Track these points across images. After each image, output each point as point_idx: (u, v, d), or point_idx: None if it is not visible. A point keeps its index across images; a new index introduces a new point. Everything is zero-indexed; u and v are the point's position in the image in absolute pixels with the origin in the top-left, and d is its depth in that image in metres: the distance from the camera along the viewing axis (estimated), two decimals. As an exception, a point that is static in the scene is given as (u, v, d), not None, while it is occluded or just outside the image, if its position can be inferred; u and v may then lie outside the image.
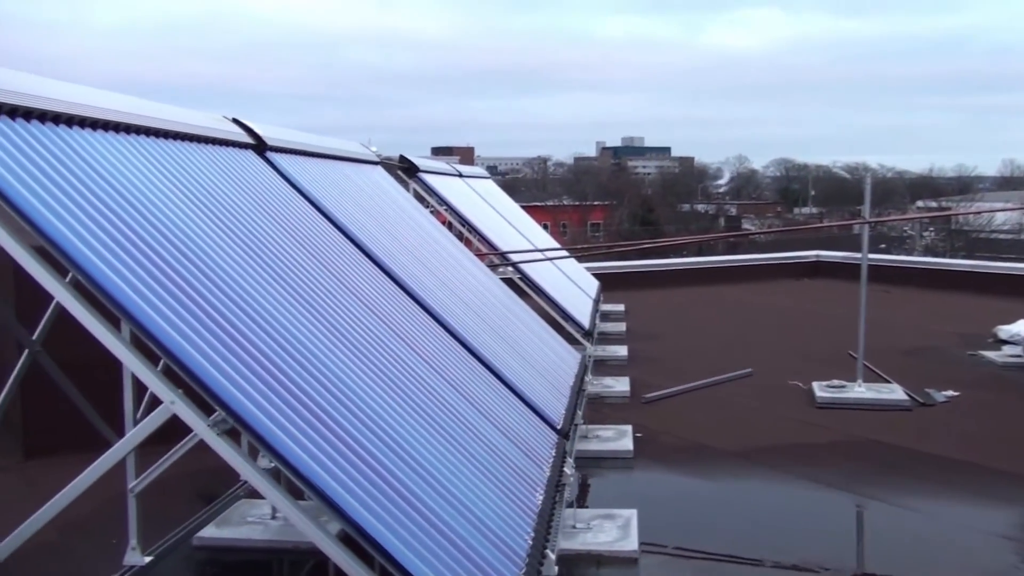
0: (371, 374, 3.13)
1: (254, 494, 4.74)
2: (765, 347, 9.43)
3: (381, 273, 4.32)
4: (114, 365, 3.55)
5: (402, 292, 4.30)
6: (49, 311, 3.19)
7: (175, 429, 2.62)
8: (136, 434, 2.41)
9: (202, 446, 3.73)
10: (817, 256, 15.62)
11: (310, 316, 3.15)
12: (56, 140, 2.72)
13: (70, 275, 2.66)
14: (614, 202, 61.16)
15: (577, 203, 61.81)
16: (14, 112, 2.64)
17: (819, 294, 13.78)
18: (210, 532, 4.41)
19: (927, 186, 63.80)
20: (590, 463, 5.53)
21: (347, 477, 2.45)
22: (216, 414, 2.39)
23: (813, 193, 73.24)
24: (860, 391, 7.07)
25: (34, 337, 3.18)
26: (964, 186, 64.31)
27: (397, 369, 3.36)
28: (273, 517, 4.57)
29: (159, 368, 2.44)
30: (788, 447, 5.99)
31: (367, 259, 4.33)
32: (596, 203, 61.58)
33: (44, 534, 4.38)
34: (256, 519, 4.57)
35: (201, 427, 2.29)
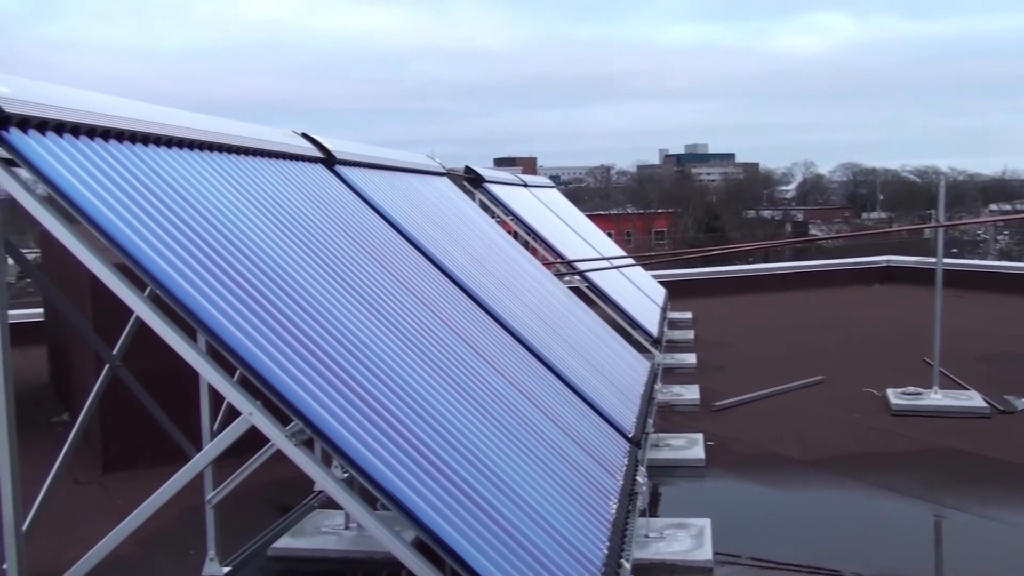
0: (444, 383, 3.14)
1: (328, 504, 4.78)
2: (836, 354, 9.28)
3: (450, 282, 4.33)
4: (186, 378, 3.63)
5: (470, 301, 4.31)
6: (128, 326, 3.25)
7: (246, 442, 2.65)
8: (215, 446, 2.44)
9: (276, 457, 3.79)
10: (888, 261, 15.35)
11: (382, 326, 3.17)
12: (133, 159, 2.77)
13: (148, 289, 2.71)
14: (678, 209, 60.82)
15: (641, 211, 61.58)
16: (92, 132, 2.70)
17: (890, 300, 13.54)
18: (285, 543, 4.45)
19: (1001, 189, 62.49)
20: (661, 472, 5.49)
21: (422, 486, 2.46)
22: (293, 424, 2.41)
23: (882, 197, 72.09)
24: (937, 398, 6.92)
25: (114, 352, 3.24)
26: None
27: (469, 378, 3.37)
28: (347, 527, 4.60)
29: (235, 379, 2.47)
30: (864, 455, 5.88)
31: (435, 268, 4.35)
32: (660, 211, 61.29)
33: (123, 546, 4.48)
34: (330, 529, 4.61)
35: (279, 437, 2.31)
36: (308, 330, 2.71)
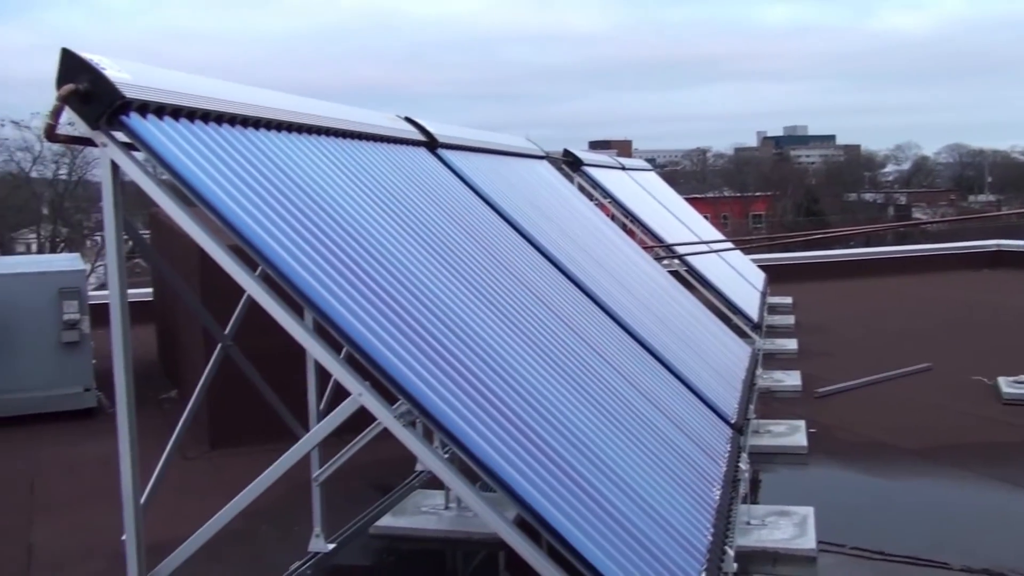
0: (548, 367, 3.14)
1: (429, 485, 4.84)
2: (943, 341, 9.03)
3: (550, 265, 4.33)
4: (292, 359, 3.69)
5: (571, 284, 4.30)
6: (239, 306, 3.32)
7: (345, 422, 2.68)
8: (326, 425, 2.48)
9: (377, 437, 3.85)
10: (998, 246, 14.86)
11: (485, 309, 3.18)
12: (246, 143, 2.83)
13: (259, 270, 2.76)
14: (776, 193, 59.77)
15: (738, 194, 60.70)
16: (207, 117, 2.76)
17: (1000, 285, 13.12)
18: (387, 521, 4.52)
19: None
20: (761, 458, 5.41)
21: (529, 469, 2.46)
22: (399, 403, 2.44)
23: (990, 180, 69.79)
24: (1051, 387, 6.69)
25: (225, 332, 3.32)
26: None
27: (573, 362, 3.37)
28: (446, 507, 4.65)
29: (341, 356, 2.50)
30: (974, 445, 5.72)
31: (536, 251, 4.35)
32: (758, 194, 60.32)
33: (230, 521, 4.60)
34: (430, 509, 4.67)
35: (388, 418, 2.34)
36: (415, 312, 2.74)
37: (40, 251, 35.65)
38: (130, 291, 2.56)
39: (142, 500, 2.60)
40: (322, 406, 3.71)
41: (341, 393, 3.20)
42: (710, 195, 58.57)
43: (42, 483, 5.59)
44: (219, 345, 3.28)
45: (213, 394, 5.81)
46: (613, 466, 2.84)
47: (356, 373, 2.38)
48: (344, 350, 2.50)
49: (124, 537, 2.59)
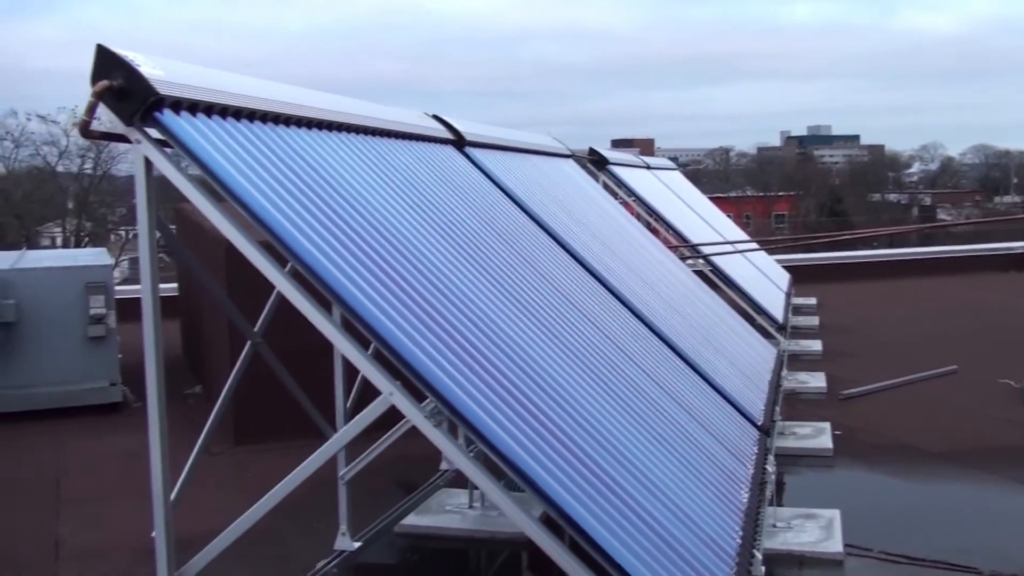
0: (576, 366, 3.13)
1: (453, 483, 4.84)
2: (969, 343, 8.94)
3: (578, 266, 4.32)
4: (317, 356, 3.69)
5: (599, 284, 4.29)
6: (268, 304, 3.32)
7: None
8: (356, 424, 2.48)
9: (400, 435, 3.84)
10: (1029, 248, 14.73)
11: (516, 309, 3.17)
12: (278, 140, 2.83)
13: (288, 266, 2.76)
14: (800, 192, 59.48)
15: (761, 194, 60.45)
16: (239, 113, 2.76)
17: (1028, 288, 13.01)
18: (411, 520, 4.52)
19: None
20: (787, 461, 5.37)
21: (556, 468, 2.45)
22: (428, 402, 2.44)
23: (1016, 181, 69.20)
24: (1080, 391, 6.62)
25: (255, 329, 3.32)
26: None
27: (601, 362, 3.35)
28: (470, 506, 4.65)
29: (369, 353, 2.49)
30: (1002, 449, 5.67)
31: (564, 251, 4.34)
32: (781, 193, 60.05)
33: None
34: (454, 508, 4.66)
35: (418, 417, 2.33)
36: (445, 312, 2.73)
37: (65, 245, 35.93)
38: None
39: (172, 496, 2.60)
40: (349, 404, 3.71)
41: (368, 391, 3.21)
42: (732, 194, 58.33)
43: (68, 477, 5.62)
44: (248, 342, 3.28)
45: (238, 390, 5.87)
46: (641, 467, 2.82)
47: (387, 372, 2.37)
48: (372, 346, 2.49)
49: (154, 534, 2.60)
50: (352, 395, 3.73)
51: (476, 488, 4.68)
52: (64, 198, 39.89)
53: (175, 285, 8.97)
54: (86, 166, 39.38)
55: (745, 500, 3.23)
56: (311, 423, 3.67)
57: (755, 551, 2.95)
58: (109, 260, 7.64)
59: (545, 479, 2.40)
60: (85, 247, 30.71)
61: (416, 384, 2.37)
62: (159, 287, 2.54)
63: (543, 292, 3.57)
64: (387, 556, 4.33)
